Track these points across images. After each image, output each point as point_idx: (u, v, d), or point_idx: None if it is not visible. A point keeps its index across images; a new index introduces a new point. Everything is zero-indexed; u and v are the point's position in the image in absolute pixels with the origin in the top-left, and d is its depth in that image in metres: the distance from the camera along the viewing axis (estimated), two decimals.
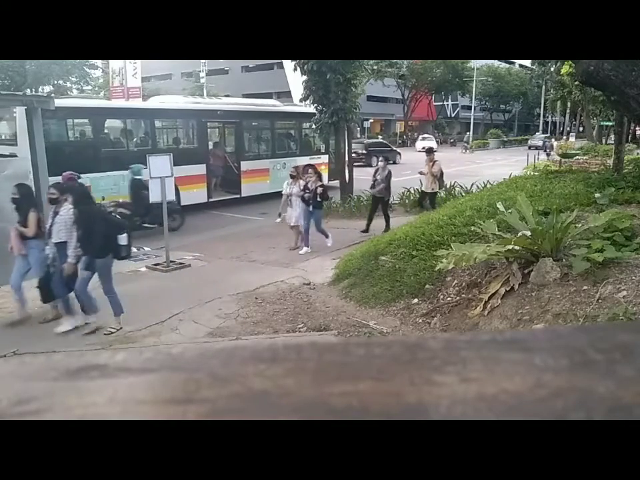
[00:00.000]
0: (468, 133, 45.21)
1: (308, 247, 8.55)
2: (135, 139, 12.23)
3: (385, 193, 9.88)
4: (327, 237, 8.78)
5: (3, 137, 10.61)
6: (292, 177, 8.98)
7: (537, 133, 46.60)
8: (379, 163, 10.13)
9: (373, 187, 10.00)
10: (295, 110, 15.49)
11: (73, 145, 10.96)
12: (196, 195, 12.13)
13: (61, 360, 0.39)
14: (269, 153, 14.26)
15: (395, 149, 29.26)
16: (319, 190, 8.53)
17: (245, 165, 13.66)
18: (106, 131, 11.73)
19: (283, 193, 8.94)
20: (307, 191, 8.50)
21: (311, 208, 8.50)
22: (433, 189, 10.71)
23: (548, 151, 28.50)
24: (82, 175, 8.96)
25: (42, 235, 5.47)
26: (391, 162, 26.59)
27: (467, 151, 38.10)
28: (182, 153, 11.88)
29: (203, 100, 15.09)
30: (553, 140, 34.74)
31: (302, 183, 8.67)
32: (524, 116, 62.04)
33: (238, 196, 13.41)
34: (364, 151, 25.63)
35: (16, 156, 8.89)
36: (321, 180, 8.72)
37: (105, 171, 10.30)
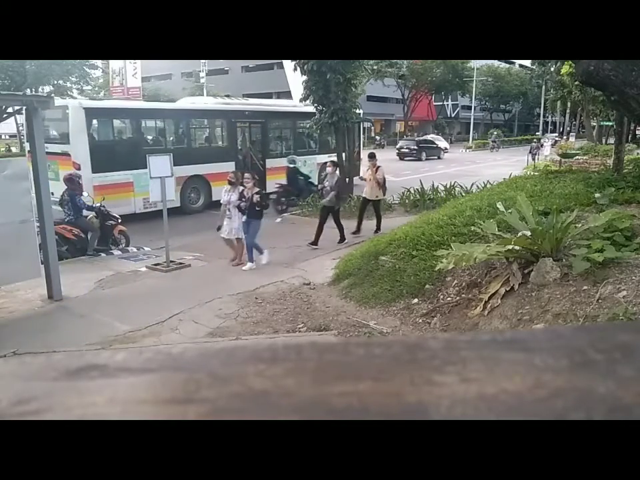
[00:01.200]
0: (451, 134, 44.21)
1: (252, 262, 7.64)
2: (171, 138, 13.00)
3: (335, 201, 8.86)
4: (260, 252, 7.79)
5: (57, 136, 11.26)
6: (230, 183, 7.91)
7: (546, 133, 46.65)
8: (327, 168, 9.05)
9: (321, 195, 9.08)
10: (309, 110, 16.05)
11: (117, 143, 11.64)
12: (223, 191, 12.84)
13: (61, 360, 0.39)
14: (290, 151, 14.76)
15: (440, 145, 31.71)
16: (256, 198, 7.54)
17: (269, 163, 14.32)
18: (146, 130, 12.55)
19: (221, 202, 7.91)
20: (243, 199, 7.55)
21: (245, 218, 7.56)
22: (377, 197, 9.80)
23: (534, 151, 24.51)
24: (126, 172, 10.31)
25: None
26: (436, 157, 29.34)
27: (467, 150, 37.96)
28: (213, 151, 13.09)
29: (231, 101, 15.71)
30: (545, 140, 28.10)
31: (242, 190, 7.70)
32: (524, 116, 62.05)
33: (263, 192, 13.75)
34: (415, 147, 29.29)
35: (69, 154, 10.33)
36: (258, 186, 7.84)
37: (146, 167, 10.95)
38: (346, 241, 8.89)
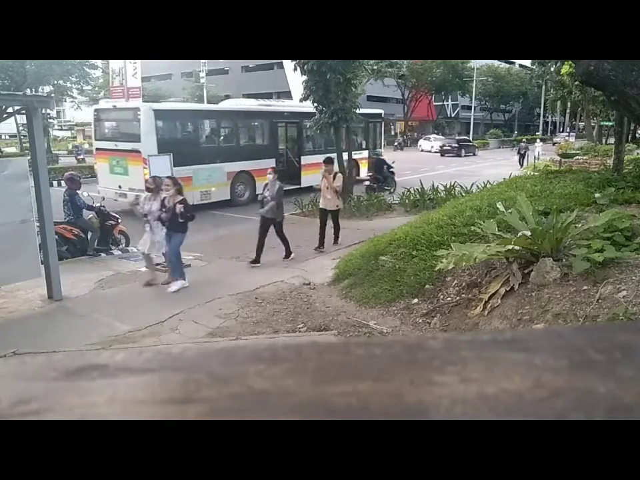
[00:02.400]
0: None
1: (184, 278, 6.77)
2: (222, 137, 14.26)
3: (276, 213, 7.90)
4: (180, 276, 6.79)
5: (127, 135, 12.54)
6: (148, 190, 6.91)
7: (558, 132, 46.69)
8: (268, 175, 8.13)
9: (261, 205, 8.09)
10: None
11: (179, 141, 12.85)
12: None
13: (61, 360, 0.39)
14: (321, 149, 15.63)
15: (474, 143, 35.94)
16: (179, 208, 6.40)
17: (304, 160, 15.55)
18: (202, 129, 13.82)
19: (140, 211, 7.09)
20: (164, 209, 6.53)
21: (165, 231, 6.62)
22: (337, 206, 8.88)
23: (523, 152, 23.23)
24: (186, 167, 11.18)
25: None
26: (471, 154, 33.37)
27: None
28: (257, 149, 14.32)
29: (272, 102, 17.08)
30: (538, 141, 26.68)
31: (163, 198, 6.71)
32: (524, 116, 62.04)
33: (298, 186, 14.95)
34: (456, 145, 33.17)
35: (139, 151, 11.53)
36: (181, 194, 6.64)
37: (202, 163, 12.13)
38: (292, 256, 7.99)
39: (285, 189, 13.42)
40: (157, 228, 6.68)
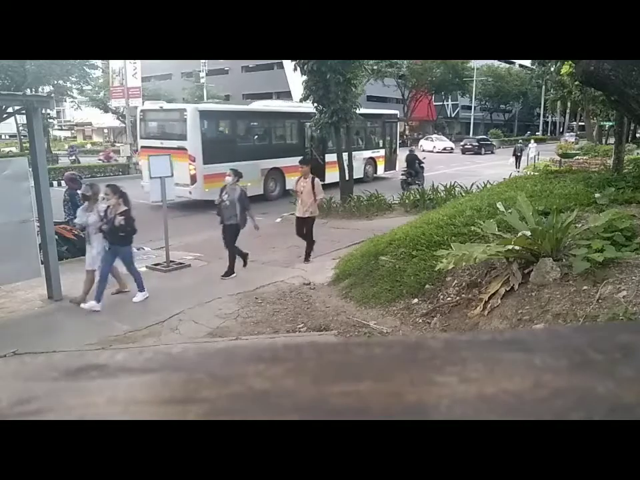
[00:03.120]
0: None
1: (144, 290, 6.20)
2: (256, 136, 15.18)
3: (239, 219, 7.18)
4: (140, 288, 6.29)
5: (174, 134, 13.52)
6: (85, 198, 6.26)
7: (566, 132, 46.80)
8: (227, 177, 7.35)
9: (218, 211, 7.33)
10: (362, 111, 18.71)
11: (220, 140, 13.85)
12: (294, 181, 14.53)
13: (61, 360, 0.39)
14: (342, 148, 16.32)
15: (493, 142, 37.95)
16: (119, 220, 5.79)
17: (327, 158, 16.43)
18: (239, 129, 14.74)
19: (77, 222, 6.47)
20: (105, 220, 5.90)
21: (108, 246, 5.98)
22: (312, 213, 7.91)
23: (519, 153, 22.12)
24: (226, 164, 11.59)
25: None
26: (490, 152, 35.18)
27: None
28: (286, 147, 15.12)
29: (299, 104, 17.63)
30: (532, 142, 24.69)
31: (103, 208, 6.04)
32: (524, 116, 62.05)
33: (322, 182, 15.90)
34: (477, 144, 35.33)
35: (185, 149, 12.52)
36: (127, 204, 6.03)
37: (240, 160, 12.59)
38: (234, 274, 7.19)
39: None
40: (96, 241, 6.07)
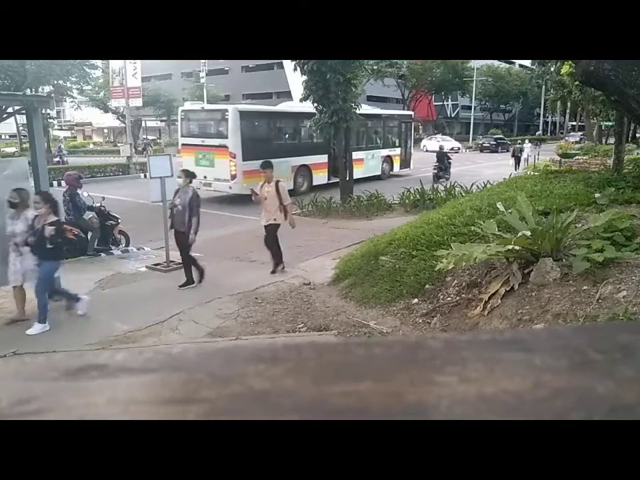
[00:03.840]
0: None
1: (44, 322, 5.44)
2: (287, 135, 16.29)
3: (187, 226, 6.68)
4: (76, 300, 5.83)
5: (215, 132, 14.50)
6: (12, 206, 5.53)
7: (571, 132, 47.04)
8: (178, 179, 6.91)
9: (170, 215, 6.91)
10: (380, 112, 20.49)
11: (257, 138, 14.57)
12: (321, 177, 16.48)
13: (61, 360, 0.39)
14: (363, 146, 18.09)
15: (508, 141, 38.63)
16: (49, 231, 5.23)
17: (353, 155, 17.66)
18: (273, 128, 15.65)
19: (8, 232, 5.62)
20: (32, 230, 5.33)
21: (36, 260, 5.38)
22: (275, 220, 7.14)
23: (519, 154, 21.51)
24: (260, 161, 12.50)
25: None
26: (505, 150, 34.90)
27: None
28: (314, 146, 16.19)
29: None
30: (527, 142, 23.78)
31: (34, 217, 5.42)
32: (524, 116, 62.06)
33: (347, 178, 17.42)
34: (494, 142, 37.65)
35: (226, 146, 13.62)
36: (56, 214, 5.53)
37: (274, 157, 13.10)
38: (193, 284, 6.78)
39: (333, 181, 15.91)
40: (24, 253, 5.43)
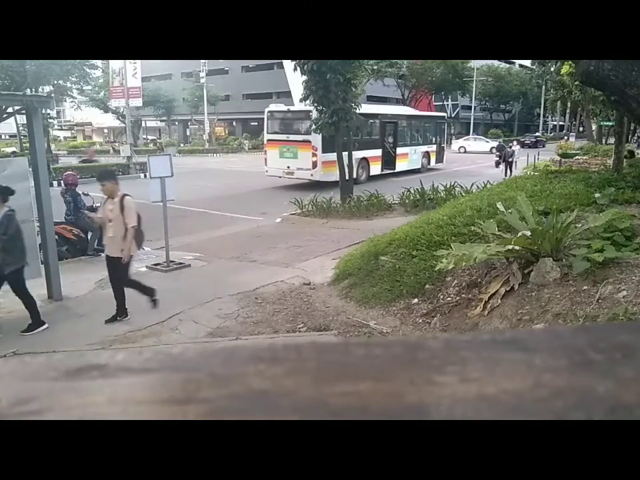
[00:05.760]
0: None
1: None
2: (351, 132, 17.04)
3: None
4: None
5: (299, 129, 17.25)
6: None
7: (571, 133, 47.28)
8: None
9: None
10: (420, 113, 25.11)
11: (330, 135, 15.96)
12: (376, 168, 19.26)
13: (61, 360, 0.39)
14: (407, 142, 21.28)
15: (544, 139, 43.08)
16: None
17: (398, 150, 20.55)
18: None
19: None
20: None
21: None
22: (122, 251, 5.35)
23: (510, 159, 18.48)
24: (333, 153, 14.58)
25: None
26: (542, 146, 38.98)
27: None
28: (371, 142, 19.10)
29: (379, 107, 22.86)
30: (515, 144, 20.32)
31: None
32: (524, 116, 62.05)
33: (394, 170, 20.14)
34: (534, 139, 41.45)
35: (309, 141, 16.64)
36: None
37: (342, 151, 14.36)
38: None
39: (384, 172, 19.55)
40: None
